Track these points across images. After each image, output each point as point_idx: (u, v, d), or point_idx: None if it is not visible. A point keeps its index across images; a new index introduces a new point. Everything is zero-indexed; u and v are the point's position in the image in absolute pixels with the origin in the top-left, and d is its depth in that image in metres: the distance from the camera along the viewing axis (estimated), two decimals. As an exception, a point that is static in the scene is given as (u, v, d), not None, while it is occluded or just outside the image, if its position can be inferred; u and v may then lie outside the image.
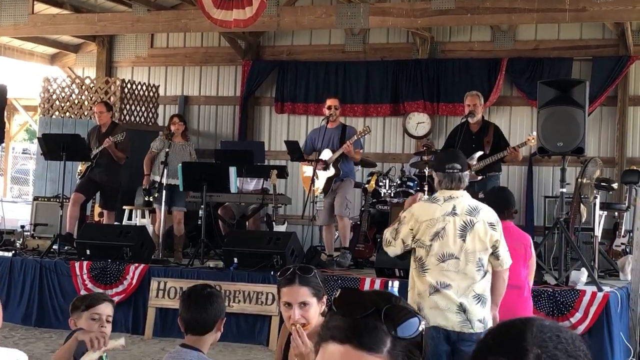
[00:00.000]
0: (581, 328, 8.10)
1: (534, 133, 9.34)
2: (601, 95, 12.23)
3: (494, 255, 5.37)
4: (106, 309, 4.49)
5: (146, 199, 11.11)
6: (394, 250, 5.54)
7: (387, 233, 5.58)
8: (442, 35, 13.59)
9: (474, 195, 6.24)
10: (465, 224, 5.32)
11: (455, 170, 5.41)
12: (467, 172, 5.52)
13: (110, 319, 4.51)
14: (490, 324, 4.82)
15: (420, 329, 1.60)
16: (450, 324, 5.28)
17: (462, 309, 5.26)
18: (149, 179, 10.99)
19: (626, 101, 12.56)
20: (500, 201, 6.32)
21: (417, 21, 10.83)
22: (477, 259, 5.31)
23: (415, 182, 11.41)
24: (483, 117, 10.00)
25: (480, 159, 9.53)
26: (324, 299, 3.85)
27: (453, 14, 10.50)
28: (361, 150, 10.64)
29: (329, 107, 10.44)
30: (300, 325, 3.69)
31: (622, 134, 12.53)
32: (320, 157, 10.28)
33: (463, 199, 5.40)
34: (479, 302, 5.29)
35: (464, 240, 5.30)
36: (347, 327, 1.56)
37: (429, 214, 5.38)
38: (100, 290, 9.67)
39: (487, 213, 5.41)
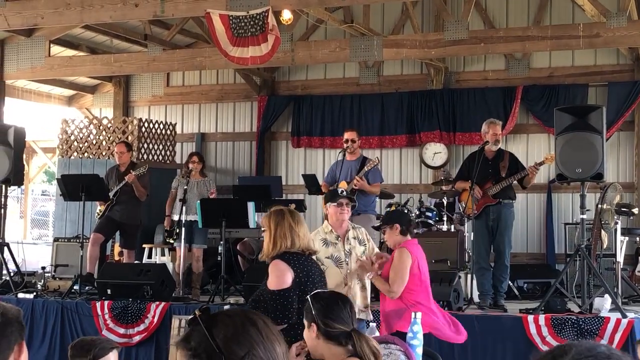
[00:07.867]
0: (607, 355, 7.99)
1: (552, 152, 9.23)
2: (618, 120, 12.19)
3: None
4: (113, 358, 4.31)
5: (167, 240, 11.15)
6: None
7: None
8: (456, 65, 13.62)
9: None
10: None
11: None
12: None
13: None
14: None
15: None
16: None
17: None
18: (170, 220, 11.00)
19: (643, 125, 12.52)
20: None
21: (430, 52, 10.86)
22: None
23: (434, 212, 11.34)
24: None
25: (497, 181, 9.41)
26: (314, 326, 3.90)
27: (466, 44, 10.52)
28: (380, 183, 10.58)
29: (346, 140, 10.43)
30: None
31: (641, 158, 12.48)
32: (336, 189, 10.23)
33: None
34: None
35: None
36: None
37: None
38: (122, 330, 9.68)
39: None
